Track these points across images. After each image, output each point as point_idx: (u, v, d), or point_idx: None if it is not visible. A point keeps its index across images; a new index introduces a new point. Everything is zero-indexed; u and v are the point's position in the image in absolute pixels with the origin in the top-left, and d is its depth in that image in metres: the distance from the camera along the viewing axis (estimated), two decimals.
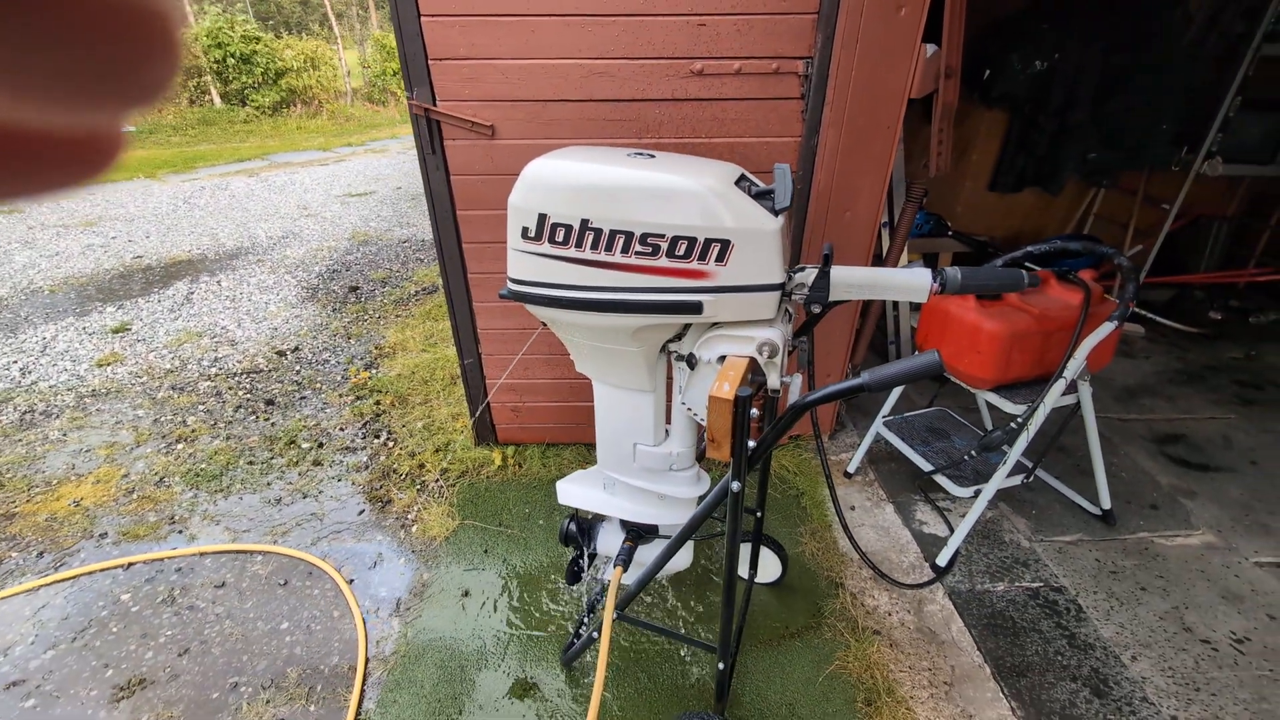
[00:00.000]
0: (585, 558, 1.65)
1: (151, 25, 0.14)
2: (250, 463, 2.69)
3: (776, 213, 1.06)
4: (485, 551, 2.18)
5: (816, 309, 1.14)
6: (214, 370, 3.46)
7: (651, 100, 1.90)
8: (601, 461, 1.51)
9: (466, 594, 2.02)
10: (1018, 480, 1.97)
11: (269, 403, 3.15)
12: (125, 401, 3.16)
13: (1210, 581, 1.96)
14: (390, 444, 2.80)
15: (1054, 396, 1.77)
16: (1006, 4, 3.20)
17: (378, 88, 16.25)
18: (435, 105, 1.91)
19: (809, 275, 1.15)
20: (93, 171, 0.16)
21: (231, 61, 13.47)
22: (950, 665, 1.73)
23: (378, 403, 3.10)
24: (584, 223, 1.05)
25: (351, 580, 2.09)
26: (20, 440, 2.85)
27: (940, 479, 2.02)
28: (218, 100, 13.74)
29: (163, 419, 3.02)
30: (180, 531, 2.32)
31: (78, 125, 0.15)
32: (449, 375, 3.33)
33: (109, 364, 3.53)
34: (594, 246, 1.07)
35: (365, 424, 2.95)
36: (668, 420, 1.44)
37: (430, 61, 1.84)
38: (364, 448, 2.78)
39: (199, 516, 2.39)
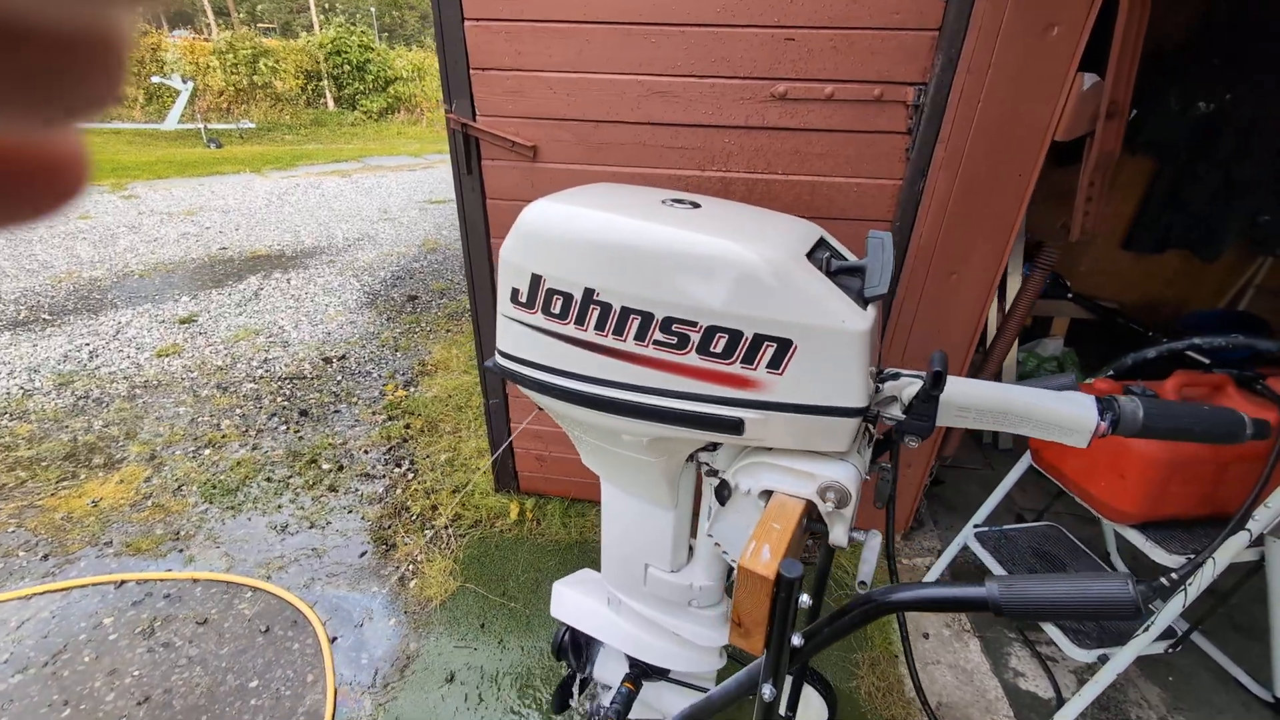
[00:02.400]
0: (577, 682, 1.33)
1: (97, 49, 0.13)
2: (268, 479, 2.56)
3: (866, 302, 0.72)
4: (482, 626, 1.90)
5: (914, 443, 0.78)
6: (260, 372, 3.42)
7: (720, 127, 1.59)
8: (606, 574, 1.19)
9: (451, 679, 1.74)
10: (1161, 648, 1.48)
11: (303, 413, 3.04)
12: (171, 396, 3.15)
13: None
14: (410, 476, 2.59)
15: (1230, 553, 1.30)
16: (1165, 31, 2.67)
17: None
18: (475, 120, 1.69)
19: (905, 389, 0.80)
20: (58, 199, 0.15)
21: (348, 68, 14.36)
22: None
23: (407, 426, 2.93)
24: (588, 293, 0.75)
25: (335, 639, 1.87)
26: (67, 427, 2.87)
27: (1051, 629, 1.56)
28: (331, 104, 14.66)
29: (200, 419, 2.96)
30: (181, 550, 2.18)
31: (34, 148, 0.14)
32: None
33: (167, 355, 3.57)
34: (599, 327, 0.77)
35: (390, 449, 2.78)
36: (692, 534, 1.12)
37: (471, 71, 1.62)
38: (383, 476, 2.60)
39: (203, 535, 2.25)
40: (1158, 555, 1.39)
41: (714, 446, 0.93)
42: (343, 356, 3.64)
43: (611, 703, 1.16)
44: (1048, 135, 1.42)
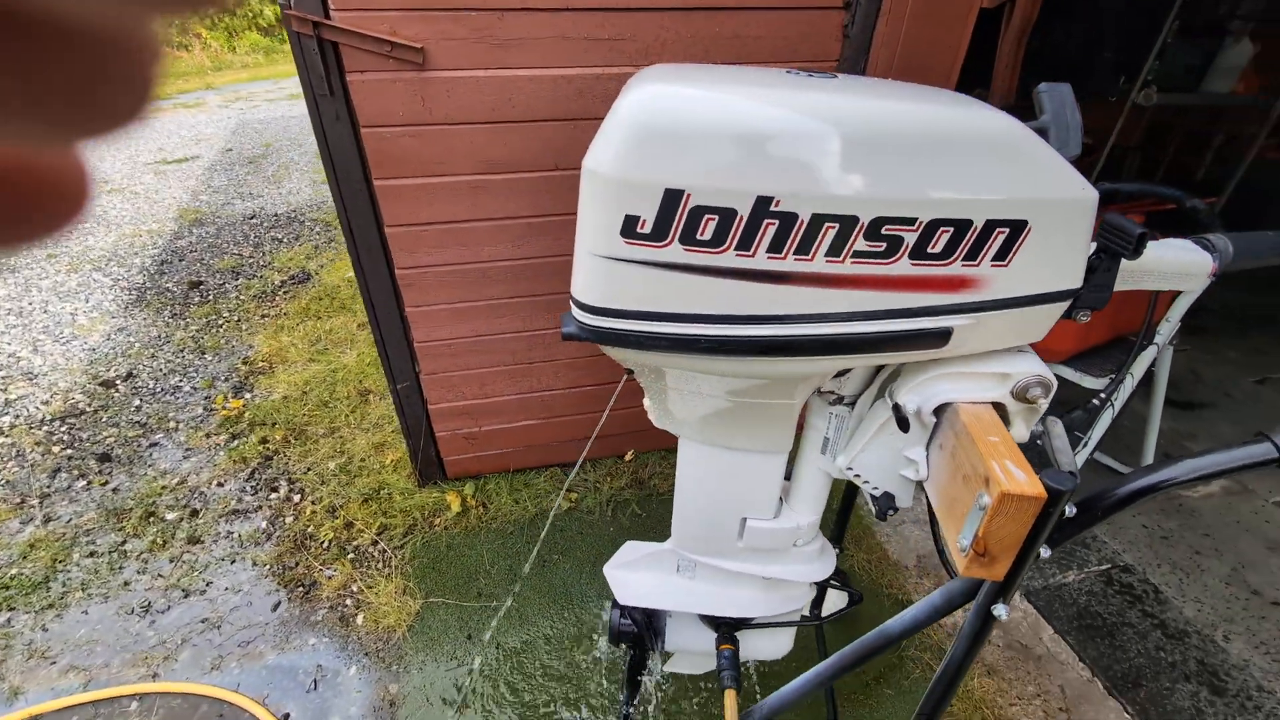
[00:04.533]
0: (656, 655, 1.20)
1: (125, 57, 0.12)
2: (91, 554, 1.89)
3: None
4: (469, 637, 1.64)
5: (1085, 316, 0.73)
6: (6, 420, 2.46)
7: (653, 10, 1.36)
8: (680, 540, 1.05)
9: (458, 706, 1.49)
10: (1084, 459, 1.77)
11: (104, 458, 2.28)
12: None
13: (1249, 532, 1.92)
14: (295, 498, 2.10)
15: (1143, 365, 1.55)
16: None
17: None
18: (328, 17, 1.23)
19: None
20: (61, 220, 0.14)
21: None
22: (1059, 685, 1.52)
23: (264, 441, 2.35)
24: (763, 204, 0.55)
25: (286, 715, 1.48)
26: None
27: None
28: None
29: None
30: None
31: (36, 166, 0.13)
32: (356, 390, 2.62)
33: None
34: (774, 249, 0.58)
35: (253, 473, 2.21)
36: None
37: None
38: (259, 508, 2.07)
39: (20, 654, 1.61)
40: (1087, 382, 1.61)
41: (845, 370, 0.81)
42: (129, 374, 2.77)
43: (723, 672, 1.06)
44: (976, 3, 1.44)
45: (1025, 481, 0.59)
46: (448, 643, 1.63)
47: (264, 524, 2.01)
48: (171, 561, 1.87)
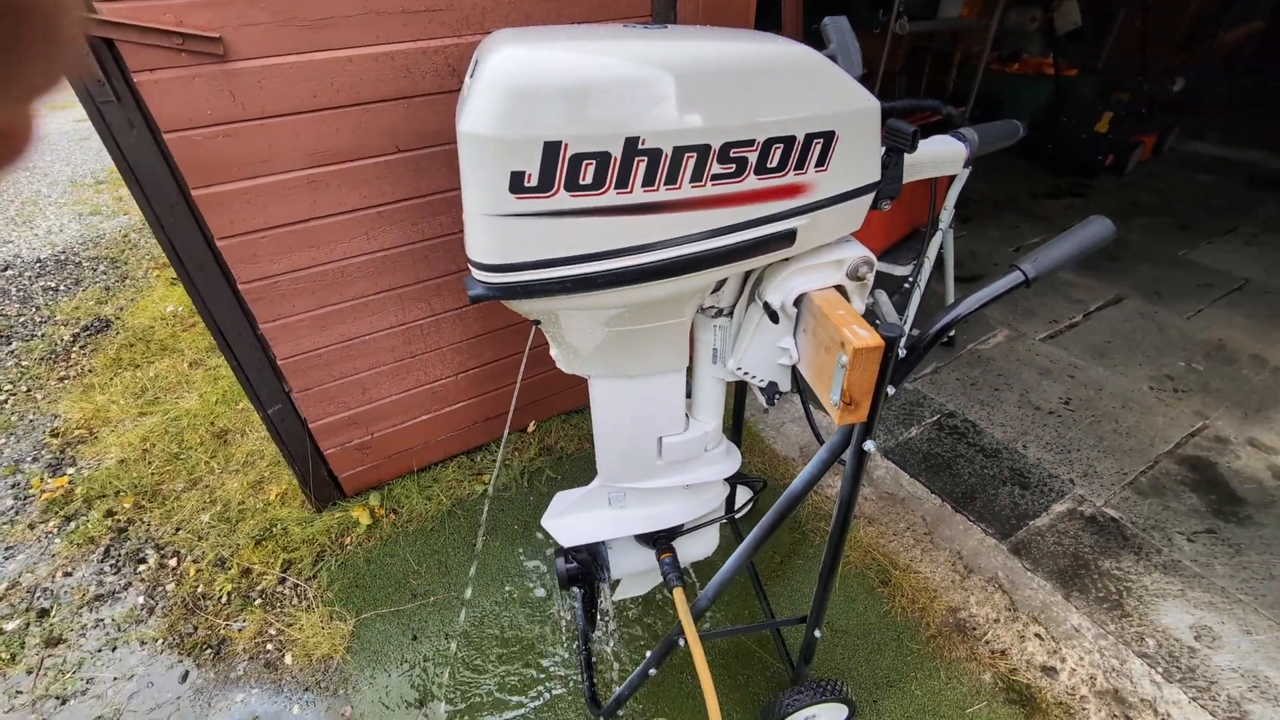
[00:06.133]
0: (604, 587, 1.30)
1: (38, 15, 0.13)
2: None
3: None
4: (414, 638, 1.63)
5: (887, 205, 0.92)
6: None
7: None
8: (606, 474, 1.14)
9: (422, 703, 1.50)
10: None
11: None
12: None
13: (1026, 365, 2.44)
14: (171, 563, 1.89)
15: (934, 248, 1.89)
16: None
17: None
18: (93, 10, 1.08)
19: None
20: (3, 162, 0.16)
21: None
22: (920, 516, 1.87)
23: (110, 513, 2.06)
24: (631, 144, 0.64)
25: None
26: None
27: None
28: None
29: None
30: None
31: None
32: (208, 434, 2.36)
33: None
34: (648, 182, 0.67)
35: (107, 551, 1.94)
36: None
37: None
38: (127, 586, 1.83)
39: None
40: (897, 271, 1.94)
41: (719, 286, 0.94)
42: None
43: (668, 575, 1.19)
44: None
45: (869, 337, 0.76)
46: (393, 650, 1.61)
47: (141, 599, 1.79)
48: (29, 673, 1.62)
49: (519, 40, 0.66)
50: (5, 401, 2.68)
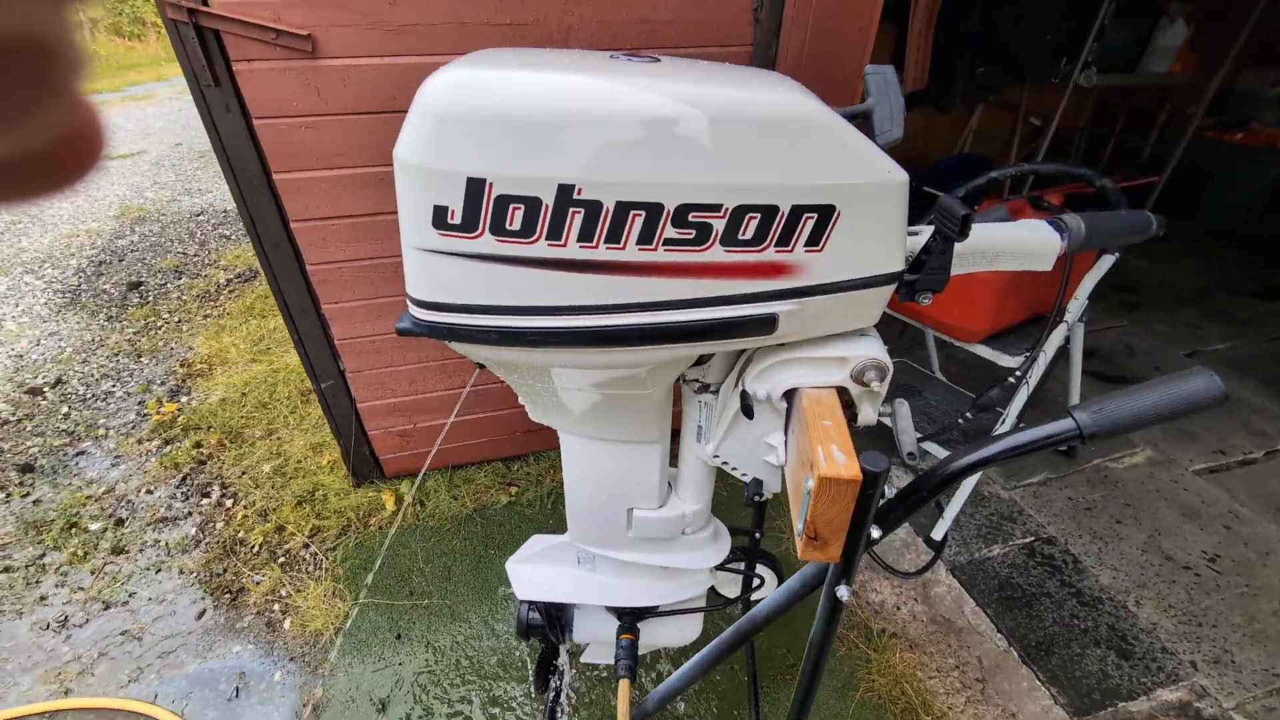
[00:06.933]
0: (562, 652, 1.20)
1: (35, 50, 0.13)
2: (6, 570, 1.83)
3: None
4: (398, 637, 1.63)
5: (927, 299, 0.74)
6: None
7: None
8: (575, 535, 1.04)
9: (384, 707, 1.48)
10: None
11: (26, 469, 2.21)
12: None
13: (1167, 500, 1.98)
14: (227, 503, 2.06)
15: (1055, 342, 1.57)
16: None
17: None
18: (206, 4, 1.18)
19: (909, 246, 0.75)
20: (79, 173, 0.16)
21: None
22: (977, 656, 1.55)
23: (198, 445, 2.30)
24: (566, 192, 0.54)
25: None
26: None
27: (930, 446, 1.80)
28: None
29: None
30: None
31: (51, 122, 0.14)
32: (298, 390, 2.57)
33: None
34: (585, 237, 0.57)
35: (184, 479, 2.16)
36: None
37: None
38: (188, 515, 2.02)
39: None
40: (1004, 360, 1.64)
41: (705, 359, 0.81)
42: (58, 381, 2.68)
43: (619, 662, 1.06)
44: None
45: (843, 464, 0.59)
46: (376, 643, 1.62)
47: (193, 531, 1.97)
48: (93, 574, 1.82)
49: (472, 61, 0.59)
50: (160, 327, 3.12)
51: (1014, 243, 0.78)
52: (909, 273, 0.72)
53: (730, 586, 1.44)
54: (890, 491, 0.65)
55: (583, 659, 1.32)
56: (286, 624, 1.68)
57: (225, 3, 1.19)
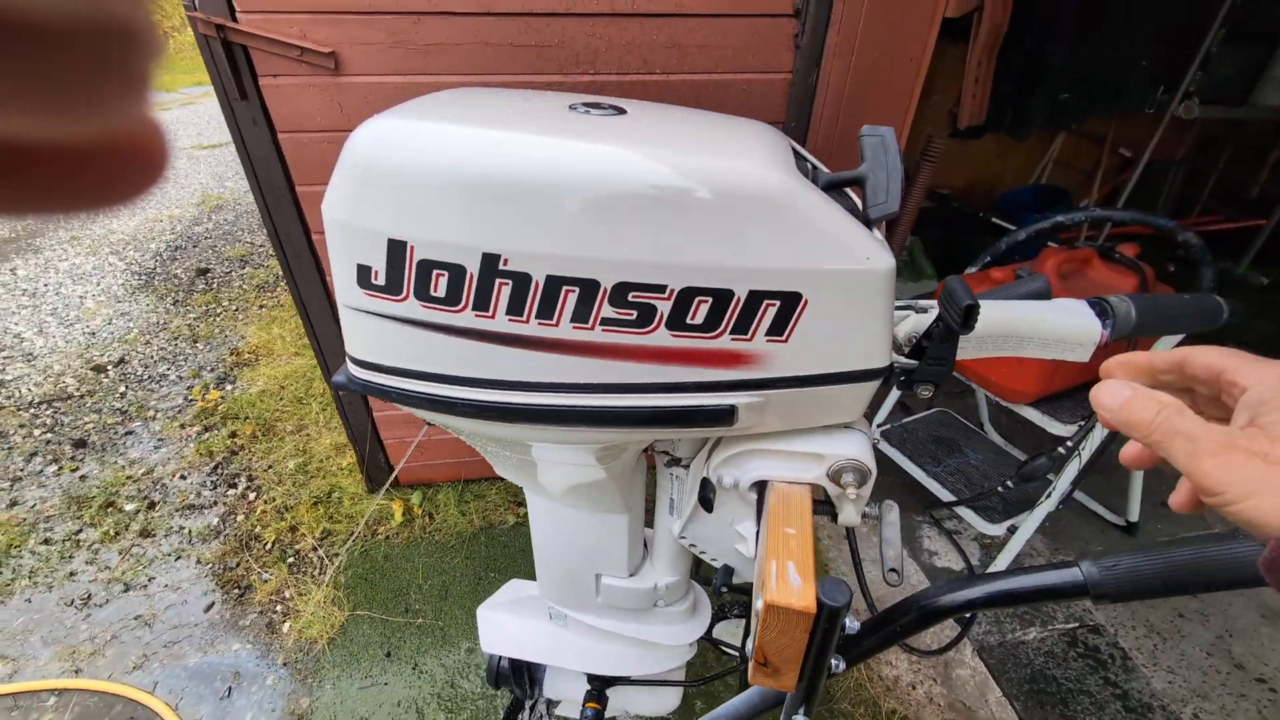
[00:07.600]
0: (527, 710, 1.14)
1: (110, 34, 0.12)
2: (46, 542, 1.94)
3: (869, 224, 0.53)
4: (388, 655, 1.62)
5: (927, 392, 0.64)
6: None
7: (582, 15, 1.28)
8: (544, 593, 0.98)
9: None
10: (1054, 506, 1.62)
11: (79, 444, 2.35)
12: None
13: (1243, 597, 1.74)
14: (251, 496, 2.12)
15: None
16: None
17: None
18: (235, 20, 1.20)
19: (902, 326, 0.65)
20: (143, 184, 0.15)
21: None
22: None
23: (233, 435, 2.38)
24: (490, 261, 0.48)
25: None
26: None
27: (964, 512, 1.65)
28: None
29: None
30: None
31: (113, 128, 0.13)
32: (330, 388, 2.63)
33: None
34: (514, 311, 0.50)
35: (216, 467, 2.24)
36: (646, 524, 0.93)
37: None
38: (214, 504, 2.09)
39: None
40: (1054, 428, 1.47)
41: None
42: (121, 360, 2.85)
43: None
44: (939, 11, 1.31)
45: (796, 590, 0.51)
46: (365, 659, 1.61)
47: (216, 520, 2.04)
48: (120, 554, 1.91)
49: (414, 110, 0.54)
50: (219, 314, 3.28)
51: (1045, 327, 0.67)
52: (909, 358, 0.62)
53: (734, 632, 1.34)
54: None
55: (557, 711, 1.26)
56: (285, 627, 1.69)
57: (253, 19, 1.20)
